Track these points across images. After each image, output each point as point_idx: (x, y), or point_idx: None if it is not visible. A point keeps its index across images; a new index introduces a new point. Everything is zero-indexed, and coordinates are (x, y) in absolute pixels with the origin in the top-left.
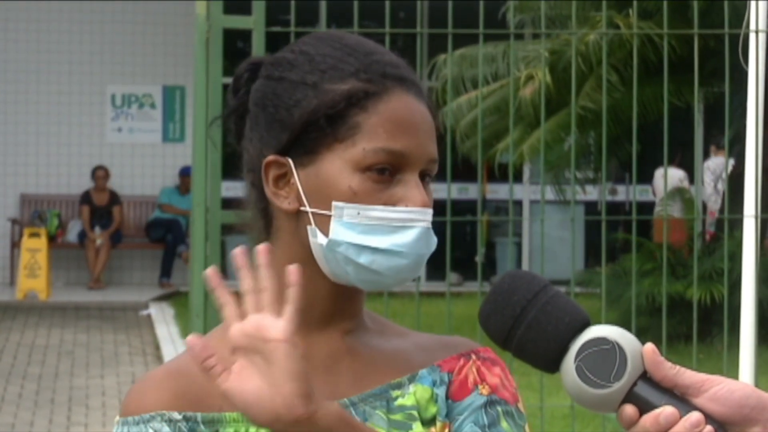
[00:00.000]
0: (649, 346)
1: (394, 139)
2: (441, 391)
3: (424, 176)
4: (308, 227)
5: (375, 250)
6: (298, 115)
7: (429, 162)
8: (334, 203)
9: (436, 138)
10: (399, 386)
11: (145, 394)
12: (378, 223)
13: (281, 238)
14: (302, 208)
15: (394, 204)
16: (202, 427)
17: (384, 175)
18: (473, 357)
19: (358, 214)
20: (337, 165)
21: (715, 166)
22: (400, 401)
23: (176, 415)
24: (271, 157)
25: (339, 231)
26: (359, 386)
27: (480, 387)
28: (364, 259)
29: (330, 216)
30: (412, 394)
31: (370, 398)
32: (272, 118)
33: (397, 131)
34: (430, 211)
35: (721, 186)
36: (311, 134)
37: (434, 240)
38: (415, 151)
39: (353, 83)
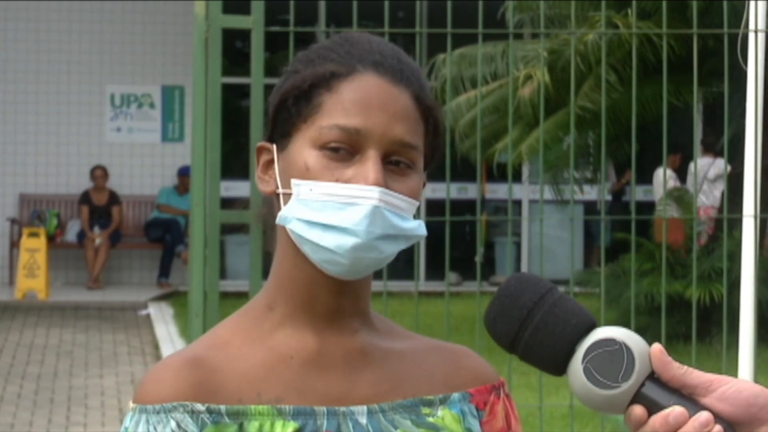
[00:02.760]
0: (657, 347)
1: (350, 117)
2: (475, 425)
3: (398, 162)
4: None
5: (324, 227)
6: (276, 97)
7: (394, 143)
8: (292, 181)
9: (414, 124)
10: (430, 404)
11: (163, 383)
12: (328, 200)
13: (278, 228)
14: (277, 191)
15: (345, 182)
16: (226, 419)
17: (341, 153)
18: (501, 393)
19: (311, 190)
20: (299, 144)
21: (699, 167)
22: (431, 419)
23: (199, 407)
24: (259, 143)
25: (293, 208)
26: (379, 391)
27: None
28: (313, 235)
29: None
30: (441, 418)
31: (401, 408)
32: (268, 108)
33: (354, 109)
34: (380, 189)
35: (707, 187)
36: (283, 115)
37: (394, 223)
38: (373, 130)
39: (327, 66)
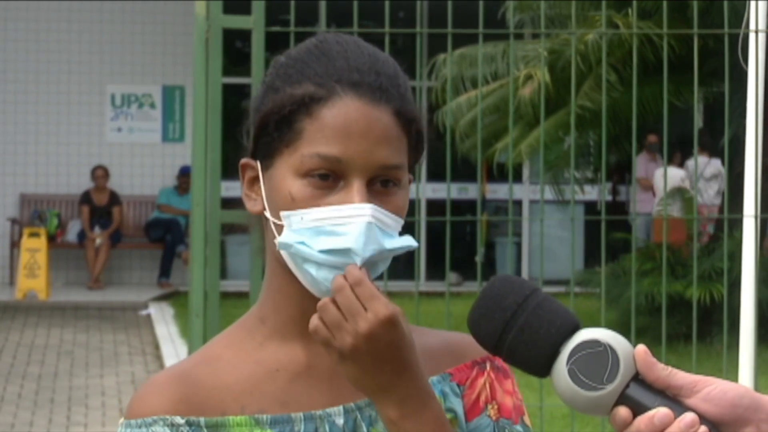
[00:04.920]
0: (641, 348)
1: (331, 145)
2: (457, 404)
3: (385, 182)
4: (273, 236)
5: (325, 252)
6: (257, 118)
7: (380, 168)
8: (281, 214)
9: (397, 143)
10: None
11: (147, 398)
12: (320, 225)
13: (268, 241)
14: (265, 213)
15: None
16: (205, 431)
17: (326, 181)
18: (488, 367)
19: (302, 219)
20: (282, 171)
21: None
22: None
23: (179, 420)
24: (243, 160)
25: (289, 236)
26: (363, 398)
27: (489, 407)
28: (318, 257)
29: (282, 224)
30: None
31: None
32: (250, 122)
33: (335, 137)
34: (371, 205)
35: (702, 185)
36: (265, 138)
37: (383, 243)
38: (355, 158)
39: (306, 87)
